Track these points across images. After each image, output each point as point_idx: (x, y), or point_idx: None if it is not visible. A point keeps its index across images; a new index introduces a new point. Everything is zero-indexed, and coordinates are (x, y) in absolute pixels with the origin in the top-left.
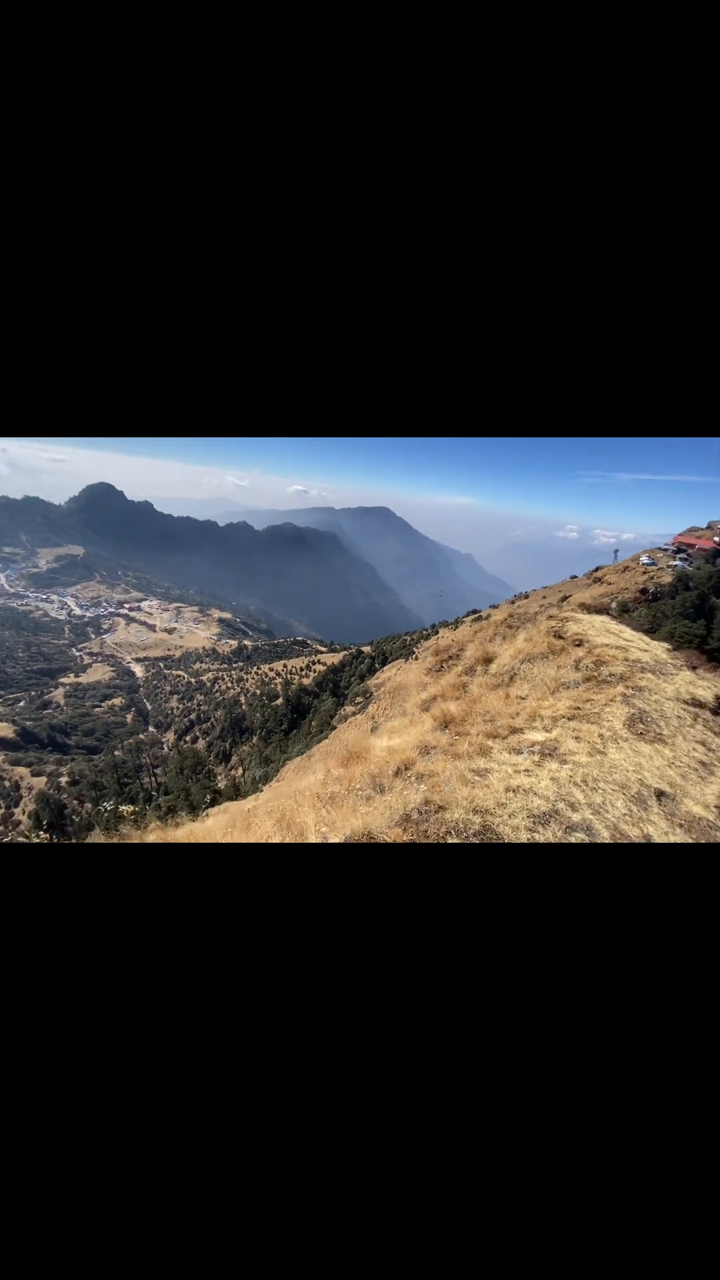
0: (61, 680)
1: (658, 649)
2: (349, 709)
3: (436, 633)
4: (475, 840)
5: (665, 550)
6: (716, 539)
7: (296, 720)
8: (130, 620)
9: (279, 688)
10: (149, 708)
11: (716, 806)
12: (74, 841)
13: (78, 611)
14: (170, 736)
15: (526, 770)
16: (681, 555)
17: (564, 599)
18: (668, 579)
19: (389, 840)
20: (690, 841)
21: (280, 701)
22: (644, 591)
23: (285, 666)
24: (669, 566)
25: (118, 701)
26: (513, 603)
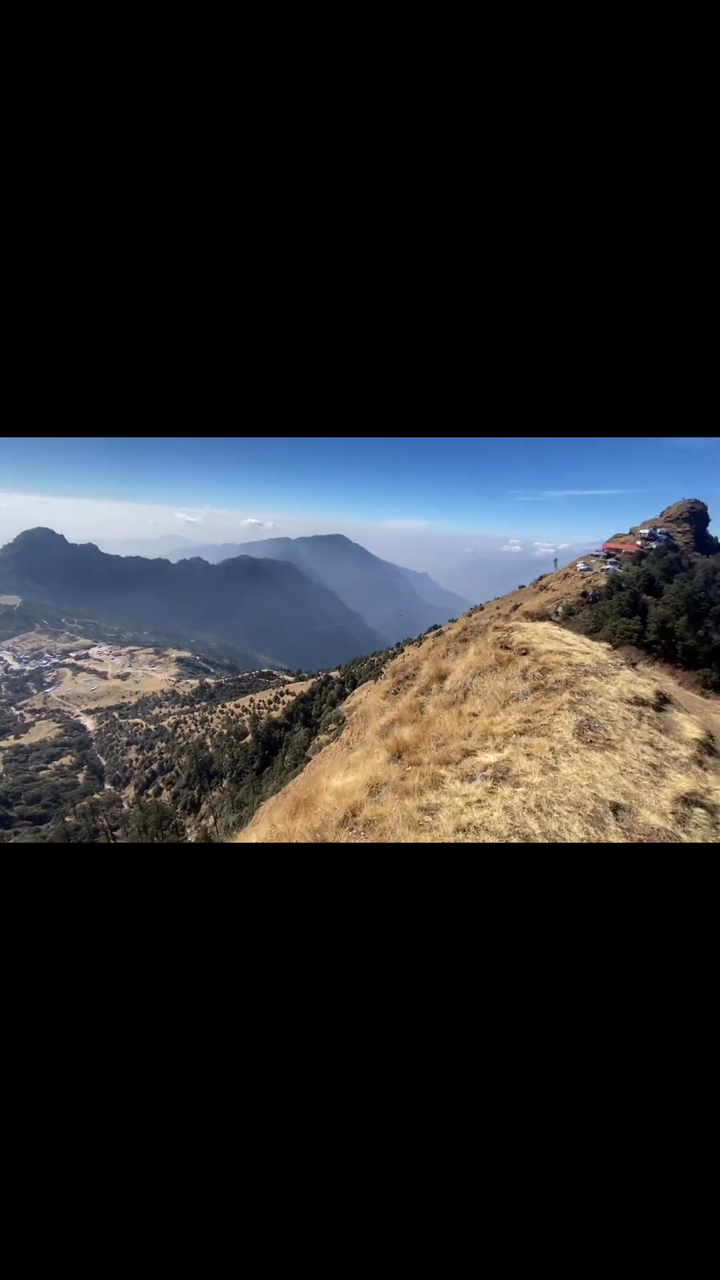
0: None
1: (598, 650)
2: (323, 738)
3: (402, 650)
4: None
5: (597, 556)
6: (639, 543)
7: (269, 757)
8: (78, 670)
9: (247, 724)
10: (104, 763)
11: (673, 813)
12: (74, 842)
13: (16, 666)
14: (130, 792)
15: (479, 801)
16: (612, 560)
17: (515, 608)
18: (603, 582)
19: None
20: (687, 842)
21: (250, 739)
22: (584, 595)
23: (252, 701)
24: (602, 570)
25: (67, 760)
26: (469, 615)
